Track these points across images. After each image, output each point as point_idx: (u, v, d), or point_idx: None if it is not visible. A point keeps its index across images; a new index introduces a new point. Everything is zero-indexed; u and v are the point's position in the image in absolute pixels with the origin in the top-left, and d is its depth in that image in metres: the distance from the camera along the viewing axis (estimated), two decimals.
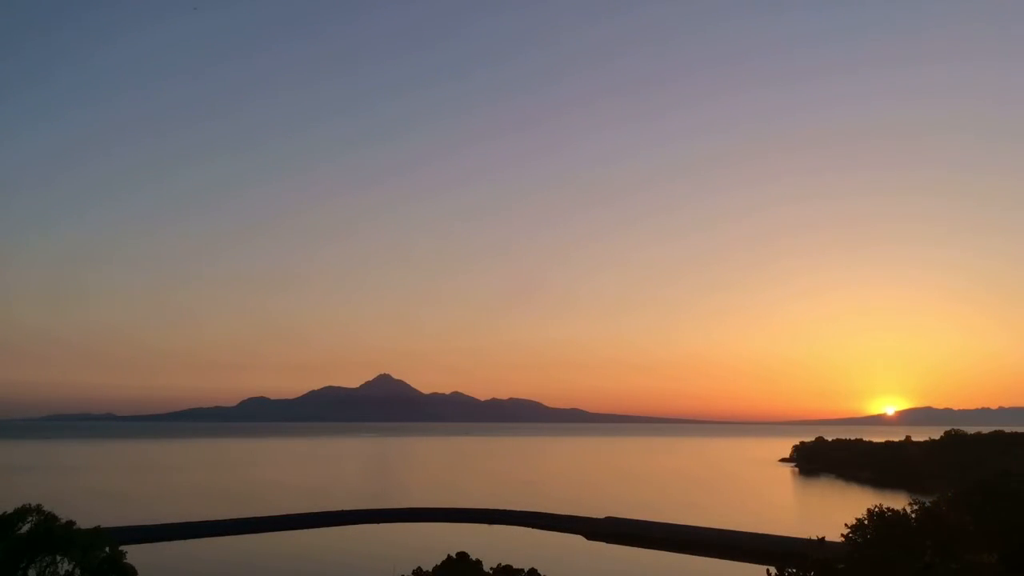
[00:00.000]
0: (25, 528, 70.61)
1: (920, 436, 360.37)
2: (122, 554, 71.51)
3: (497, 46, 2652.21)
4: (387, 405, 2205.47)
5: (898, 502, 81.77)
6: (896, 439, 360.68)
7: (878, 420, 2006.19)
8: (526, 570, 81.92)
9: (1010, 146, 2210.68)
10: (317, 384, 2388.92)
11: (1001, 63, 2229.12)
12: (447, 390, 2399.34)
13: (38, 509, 71.65)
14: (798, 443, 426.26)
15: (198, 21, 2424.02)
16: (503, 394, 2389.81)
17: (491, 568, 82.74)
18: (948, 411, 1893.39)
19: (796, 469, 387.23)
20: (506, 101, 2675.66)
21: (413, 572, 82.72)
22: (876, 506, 71.50)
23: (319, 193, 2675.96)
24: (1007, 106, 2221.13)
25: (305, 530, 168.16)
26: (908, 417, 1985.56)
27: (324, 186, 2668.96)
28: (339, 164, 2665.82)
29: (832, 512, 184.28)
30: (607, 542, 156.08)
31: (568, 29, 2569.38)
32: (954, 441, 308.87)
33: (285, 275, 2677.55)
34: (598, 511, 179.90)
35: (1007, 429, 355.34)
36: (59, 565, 69.59)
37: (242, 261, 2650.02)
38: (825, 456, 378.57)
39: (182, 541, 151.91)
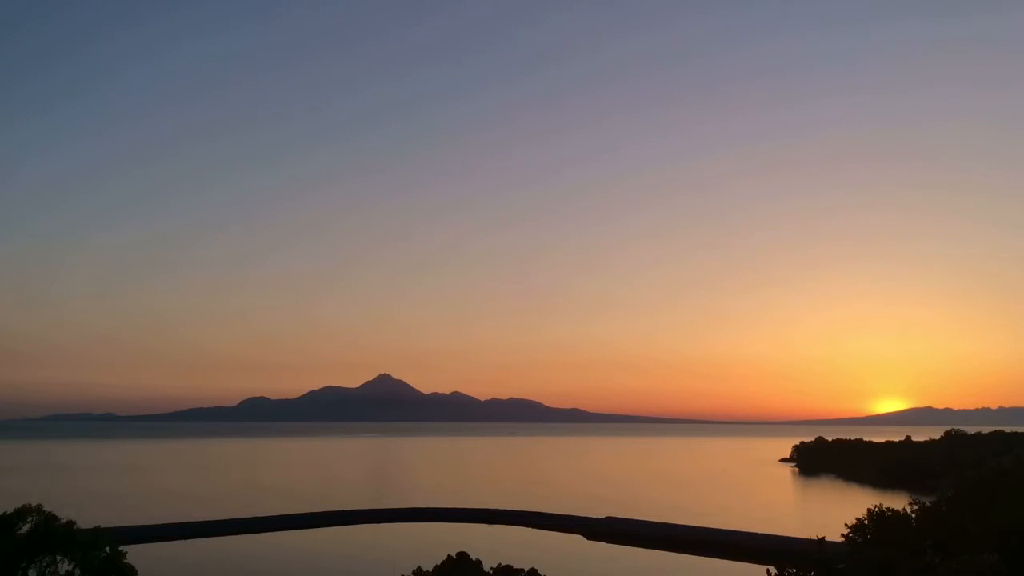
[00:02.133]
0: (25, 528, 70.65)
1: (920, 436, 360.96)
2: (122, 554, 71.52)
3: (528, 56, 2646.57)
4: (387, 405, 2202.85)
5: (898, 502, 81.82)
6: (896, 439, 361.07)
7: (878, 420, 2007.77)
8: (526, 570, 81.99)
9: (1008, 149, 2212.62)
10: (317, 384, 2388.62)
11: (1006, 66, 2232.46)
12: (447, 390, 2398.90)
13: (38, 509, 71.67)
14: (798, 443, 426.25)
15: (253, 31, 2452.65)
16: (503, 394, 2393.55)
17: (491, 568, 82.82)
18: (948, 411, 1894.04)
19: (796, 469, 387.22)
20: (522, 112, 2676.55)
21: (413, 572, 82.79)
22: (876, 506, 71.52)
23: (319, 194, 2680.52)
24: (1010, 100, 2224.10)
25: (305, 530, 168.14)
26: (908, 417, 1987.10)
27: (329, 193, 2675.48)
28: (348, 174, 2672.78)
29: (832, 512, 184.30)
30: (607, 542, 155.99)
31: (557, 21, 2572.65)
32: (954, 441, 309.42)
33: (285, 276, 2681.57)
34: (598, 511, 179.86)
35: (1007, 429, 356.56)
36: (59, 565, 69.63)
37: (243, 261, 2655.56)
38: (825, 456, 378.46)
39: (182, 541, 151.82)
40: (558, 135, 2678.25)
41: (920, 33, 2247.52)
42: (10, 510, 71.71)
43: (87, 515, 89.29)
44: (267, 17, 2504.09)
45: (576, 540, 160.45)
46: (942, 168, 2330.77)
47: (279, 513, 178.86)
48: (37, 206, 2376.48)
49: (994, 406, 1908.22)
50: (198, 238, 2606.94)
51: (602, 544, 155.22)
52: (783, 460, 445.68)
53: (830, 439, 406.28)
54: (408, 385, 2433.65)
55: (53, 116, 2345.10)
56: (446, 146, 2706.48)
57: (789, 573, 65.32)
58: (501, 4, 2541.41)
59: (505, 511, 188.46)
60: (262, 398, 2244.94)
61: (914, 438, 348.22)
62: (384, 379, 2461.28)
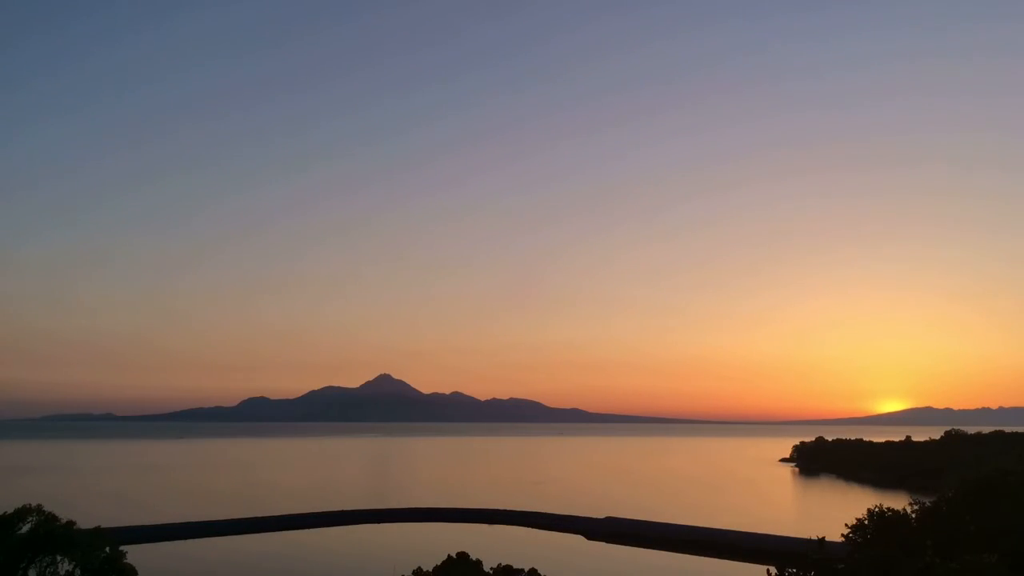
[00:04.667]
0: (25, 528, 70.53)
1: (920, 436, 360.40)
2: (122, 554, 71.44)
3: (490, 47, 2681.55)
4: (387, 405, 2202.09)
5: (898, 502, 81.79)
6: (896, 439, 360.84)
7: (878, 420, 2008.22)
8: (526, 570, 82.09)
9: (1012, 145, 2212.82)
10: (317, 384, 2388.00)
11: (1004, 61, 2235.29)
12: (447, 390, 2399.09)
13: (38, 509, 71.56)
14: (798, 443, 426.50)
15: (195, 23, 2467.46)
16: (503, 394, 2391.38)
17: (491, 568, 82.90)
18: (948, 411, 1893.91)
19: (796, 469, 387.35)
20: (502, 101, 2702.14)
21: (413, 572, 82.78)
22: (876, 506, 71.49)
23: (318, 194, 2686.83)
24: (1009, 104, 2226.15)
25: (305, 530, 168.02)
26: (908, 417, 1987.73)
27: (322, 187, 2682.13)
28: (336, 165, 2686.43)
29: (832, 512, 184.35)
30: (607, 542, 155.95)
31: (563, 29, 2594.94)
32: (954, 441, 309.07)
33: (285, 276, 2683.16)
34: (598, 511, 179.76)
35: (1007, 429, 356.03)
36: (59, 565, 69.49)
37: (242, 261, 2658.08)
38: (825, 456, 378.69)
39: (182, 541, 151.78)
40: (561, 141, 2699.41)
41: (916, 43, 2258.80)
42: (10, 510, 71.62)
43: (87, 515, 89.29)
44: (214, 8, 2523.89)
45: (576, 540, 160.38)
46: (943, 172, 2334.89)
47: (279, 513, 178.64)
48: (63, 213, 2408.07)
49: (994, 406, 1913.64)
50: (204, 246, 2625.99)
51: (602, 544, 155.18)
52: (783, 460, 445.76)
53: (830, 439, 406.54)
54: (408, 385, 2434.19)
55: (79, 121, 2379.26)
56: (450, 152, 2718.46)
57: (789, 573, 65.22)
58: (511, 19, 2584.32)
59: (505, 511, 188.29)
60: (262, 398, 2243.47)
61: (914, 438, 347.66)
62: (384, 379, 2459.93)
